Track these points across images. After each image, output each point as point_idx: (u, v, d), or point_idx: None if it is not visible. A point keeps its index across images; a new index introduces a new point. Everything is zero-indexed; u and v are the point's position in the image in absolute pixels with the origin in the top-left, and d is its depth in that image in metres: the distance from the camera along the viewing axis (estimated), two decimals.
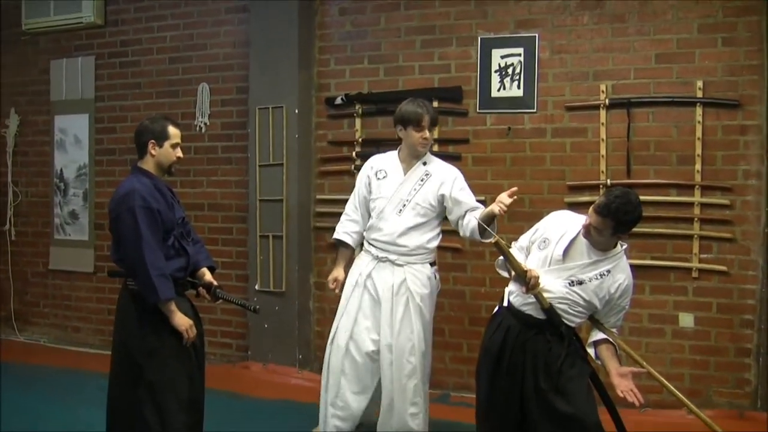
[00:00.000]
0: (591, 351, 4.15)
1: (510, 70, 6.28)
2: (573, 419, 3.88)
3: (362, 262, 5.12)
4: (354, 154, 6.73)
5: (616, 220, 3.75)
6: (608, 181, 5.96)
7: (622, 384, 3.94)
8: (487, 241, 4.79)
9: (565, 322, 4.00)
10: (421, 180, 4.99)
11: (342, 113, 6.91)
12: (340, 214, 5.34)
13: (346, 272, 5.21)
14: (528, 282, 3.91)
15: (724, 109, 5.77)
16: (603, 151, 6.03)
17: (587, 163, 6.12)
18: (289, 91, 6.86)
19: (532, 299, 4.00)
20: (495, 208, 4.50)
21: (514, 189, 4.54)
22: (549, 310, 3.96)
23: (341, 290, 5.17)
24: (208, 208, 7.51)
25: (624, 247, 4.01)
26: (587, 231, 3.87)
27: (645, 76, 5.97)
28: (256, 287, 7.03)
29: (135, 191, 4.11)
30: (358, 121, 6.79)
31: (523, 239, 4.31)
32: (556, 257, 3.99)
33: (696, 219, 5.84)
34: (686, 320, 5.93)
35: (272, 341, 7.00)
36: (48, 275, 8.45)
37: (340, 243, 5.27)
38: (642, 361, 4.29)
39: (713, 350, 5.89)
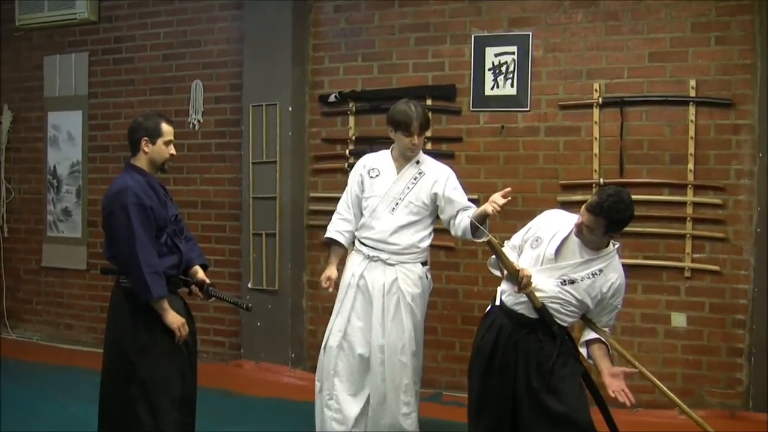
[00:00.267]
0: (583, 350, 4.15)
1: (503, 69, 6.28)
2: (565, 419, 3.88)
3: (354, 262, 5.11)
4: (347, 151, 6.72)
5: (608, 219, 3.74)
6: (601, 180, 5.96)
7: (614, 384, 3.94)
8: (479, 240, 4.83)
9: (558, 321, 4.00)
10: (414, 179, 4.99)
11: (336, 111, 6.90)
12: (333, 212, 5.32)
13: (339, 271, 5.21)
14: (520, 281, 3.91)
15: (717, 108, 5.78)
16: (596, 150, 6.04)
17: (580, 161, 6.12)
18: (282, 88, 6.86)
19: (524, 298, 4.00)
20: (488, 207, 4.52)
21: (508, 189, 4.55)
22: (541, 309, 3.96)
23: (335, 289, 5.17)
24: (201, 206, 7.50)
25: (616, 246, 4.00)
26: (579, 230, 3.87)
27: (638, 75, 5.97)
28: (249, 285, 7.02)
29: (128, 188, 4.11)
30: (351, 119, 6.78)
31: (516, 238, 4.31)
32: (548, 256, 3.99)
33: (688, 218, 5.85)
34: (678, 320, 5.94)
35: (265, 340, 6.99)
36: (41, 272, 8.43)
37: (333, 242, 5.26)
38: (634, 361, 4.28)
39: (705, 350, 5.90)
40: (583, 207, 3.84)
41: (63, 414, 5.85)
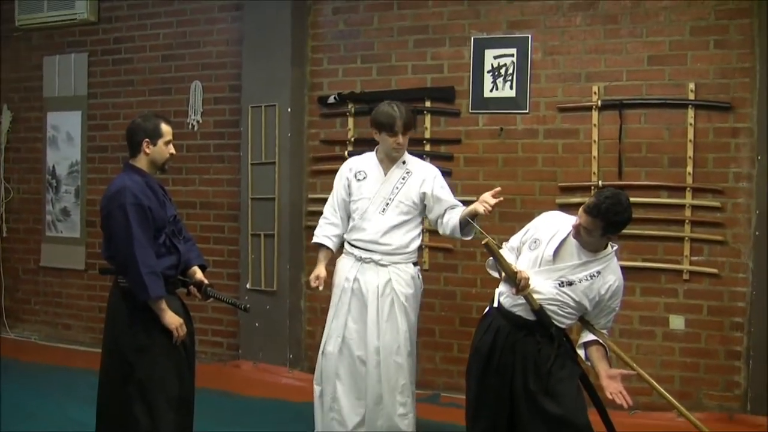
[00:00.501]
0: (581, 352, 4.14)
1: (502, 71, 6.28)
2: (562, 421, 3.88)
3: (346, 266, 5.09)
4: (346, 153, 6.69)
5: (605, 221, 3.74)
6: (600, 183, 5.96)
7: (612, 386, 3.94)
8: (467, 238, 4.89)
9: (555, 323, 4.00)
10: (402, 178, 5.01)
11: (334, 112, 6.91)
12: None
13: (329, 272, 5.20)
14: (518, 283, 3.91)
15: (716, 111, 5.78)
16: (595, 153, 6.04)
17: (579, 164, 6.12)
18: (281, 89, 6.86)
19: (522, 300, 4.00)
20: (479, 207, 4.55)
21: (498, 189, 4.58)
22: (539, 311, 3.96)
23: (326, 288, 5.15)
24: (200, 207, 7.51)
25: (615, 248, 4.00)
26: (577, 231, 3.87)
27: (637, 78, 5.98)
28: (248, 286, 7.02)
29: (126, 189, 4.10)
30: (350, 121, 6.79)
31: (514, 240, 4.31)
32: (546, 258, 3.99)
33: (687, 221, 5.85)
34: (677, 322, 5.94)
35: (263, 340, 6.99)
36: (39, 272, 8.43)
37: (321, 246, 5.23)
38: (632, 363, 4.29)
39: (703, 353, 5.90)
40: (580, 209, 3.84)
41: (60, 414, 5.84)
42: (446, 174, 6.27)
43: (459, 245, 6.38)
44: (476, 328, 4.33)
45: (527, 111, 6.25)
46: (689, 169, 5.82)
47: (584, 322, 4.13)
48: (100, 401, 4.30)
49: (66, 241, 8.19)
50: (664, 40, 5.91)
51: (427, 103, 6.52)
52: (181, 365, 4.30)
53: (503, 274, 4.07)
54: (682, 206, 5.87)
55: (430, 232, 6.28)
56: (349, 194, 5.12)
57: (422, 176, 5.02)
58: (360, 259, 5.02)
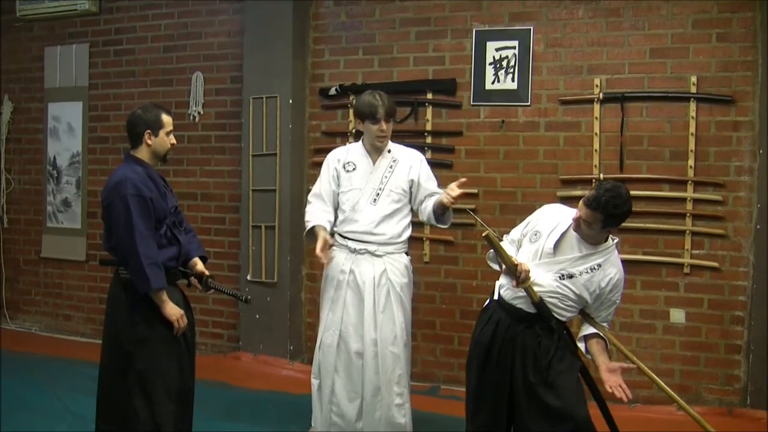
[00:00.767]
0: (581, 345, 4.14)
1: (504, 63, 6.27)
2: (562, 413, 3.88)
3: (340, 259, 5.05)
4: (347, 145, 6.70)
5: (605, 214, 3.74)
6: (601, 176, 5.95)
7: (611, 379, 3.94)
8: (443, 226, 5.00)
9: (556, 316, 4.00)
10: (390, 167, 5.02)
11: (336, 104, 6.91)
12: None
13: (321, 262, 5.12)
14: (518, 275, 3.90)
15: (718, 104, 5.78)
16: (596, 146, 6.04)
17: (580, 157, 6.12)
18: (283, 81, 6.86)
19: (522, 293, 3.99)
20: (444, 198, 4.66)
21: (464, 180, 4.66)
22: (539, 303, 3.96)
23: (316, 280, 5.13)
24: (201, 198, 7.50)
25: (615, 241, 4.00)
26: (577, 224, 3.87)
27: (639, 71, 5.97)
28: (248, 278, 7.02)
29: (127, 180, 4.10)
30: (351, 112, 6.75)
31: (515, 232, 4.30)
32: (546, 251, 3.98)
33: (688, 215, 5.84)
34: (677, 316, 5.94)
35: (263, 332, 7.00)
36: (40, 263, 8.43)
37: (315, 227, 5.04)
38: (632, 357, 4.28)
39: (704, 346, 5.90)
40: (581, 201, 3.83)
41: (61, 406, 5.85)
42: (447, 166, 6.31)
43: (460, 238, 6.39)
44: (477, 320, 4.33)
45: (529, 103, 6.24)
46: (690, 162, 5.82)
47: (584, 315, 4.13)
48: (100, 392, 4.30)
49: (67, 232, 8.19)
50: (666, 32, 5.90)
51: (429, 95, 6.51)
52: (182, 357, 4.30)
53: (504, 266, 4.06)
54: (683, 199, 5.86)
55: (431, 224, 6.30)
56: (338, 185, 5.10)
57: (409, 163, 5.04)
58: (354, 251, 5.00)
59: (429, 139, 6.49)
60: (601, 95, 6.00)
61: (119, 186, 4.10)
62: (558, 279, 3.93)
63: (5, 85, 8.52)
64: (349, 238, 5.02)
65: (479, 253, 6.22)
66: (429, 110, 6.53)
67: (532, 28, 6.22)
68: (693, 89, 5.79)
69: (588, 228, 3.83)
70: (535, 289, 3.94)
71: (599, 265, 3.91)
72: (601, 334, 4.08)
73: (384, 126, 4.92)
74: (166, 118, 4.28)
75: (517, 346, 4.03)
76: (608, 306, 4.07)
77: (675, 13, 5.87)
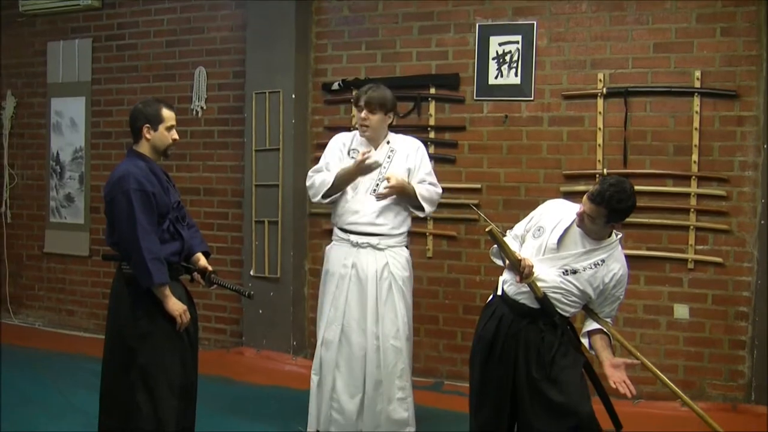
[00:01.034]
0: (585, 341, 4.13)
1: (507, 58, 6.25)
2: (566, 409, 3.87)
3: (341, 253, 5.03)
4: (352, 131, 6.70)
5: (609, 208, 3.73)
6: (604, 171, 5.94)
7: (615, 375, 3.93)
8: (421, 215, 5.08)
9: (559, 311, 3.99)
10: (388, 157, 5.01)
11: (338, 99, 6.89)
12: (335, 201, 5.14)
13: (319, 257, 5.15)
14: (522, 271, 3.89)
15: (722, 99, 5.76)
16: (600, 141, 6.02)
17: (583, 152, 6.10)
18: (285, 76, 6.85)
19: (526, 288, 3.98)
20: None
21: (390, 175, 4.84)
22: (543, 299, 3.95)
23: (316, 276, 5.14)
24: (204, 193, 7.50)
25: (619, 236, 3.98)
26: (581, 219, 3.86)
27: (643, 66, 5.95)
28: (251, 273, 7.02)
29: (130, 174, 4.10)
30: (354, 107, 6.76)
31: (518, 228, 4.29)
32: (550, 246, 3.97)
33: (692, 210, 5.83)
34: (681, 311, 5.93)
35: (266, 327, 7.00)
36: (43, 258, 8.44)
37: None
38: (636, 352, 4.28)
39: (708, 342, 5.89)
40: (584, 196, 3.82)
41: (63, 401, 5.86)
42: (450, 161, 6.30)
43: (463, 233, 6.38)
44: (480, 316, 4.32)
45: (532, 98, 6.23)
46: (694, 157, 5.80)
47: (588, 310, 4.12)
48: (103, 387, 4.30)
49: (70, 228, 8.19)
50: (670, 27, 5.88)
51: (432, 90, 6.50)
52: (184, 352, 4.30)
53: (507, 262, 4.05)
54: (687, 195, 5.85)
55: (434, 219, 6.28)
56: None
57: (406, 152, 5.03)
58: (356, 245, 4.98)
59: (432, 134, 6.48)
60: (604, 90, 5.98)
61: (122, 181, 4.09)
62: (561, 274, 3.92)
63: (8, 80, 8.52)
64: (350, 232, 5.00)
65: (482, 249, 6.21)
66: (432, 105, 6.52)
67: (535, 23, 6.20)
68: (697, 84, 5.77)
69: (592, 223, 3.82)
70: (539, 284, 3.93)
71: (603, 261, 3.90)
72: (605, 329, 4.08)
73: (364, 114, 4.91)
74: (166, 113, 4.27)
75: (521, 341, 4.02)
76: (612, 302, 4.05)
77: (679, 8, 5.85)
